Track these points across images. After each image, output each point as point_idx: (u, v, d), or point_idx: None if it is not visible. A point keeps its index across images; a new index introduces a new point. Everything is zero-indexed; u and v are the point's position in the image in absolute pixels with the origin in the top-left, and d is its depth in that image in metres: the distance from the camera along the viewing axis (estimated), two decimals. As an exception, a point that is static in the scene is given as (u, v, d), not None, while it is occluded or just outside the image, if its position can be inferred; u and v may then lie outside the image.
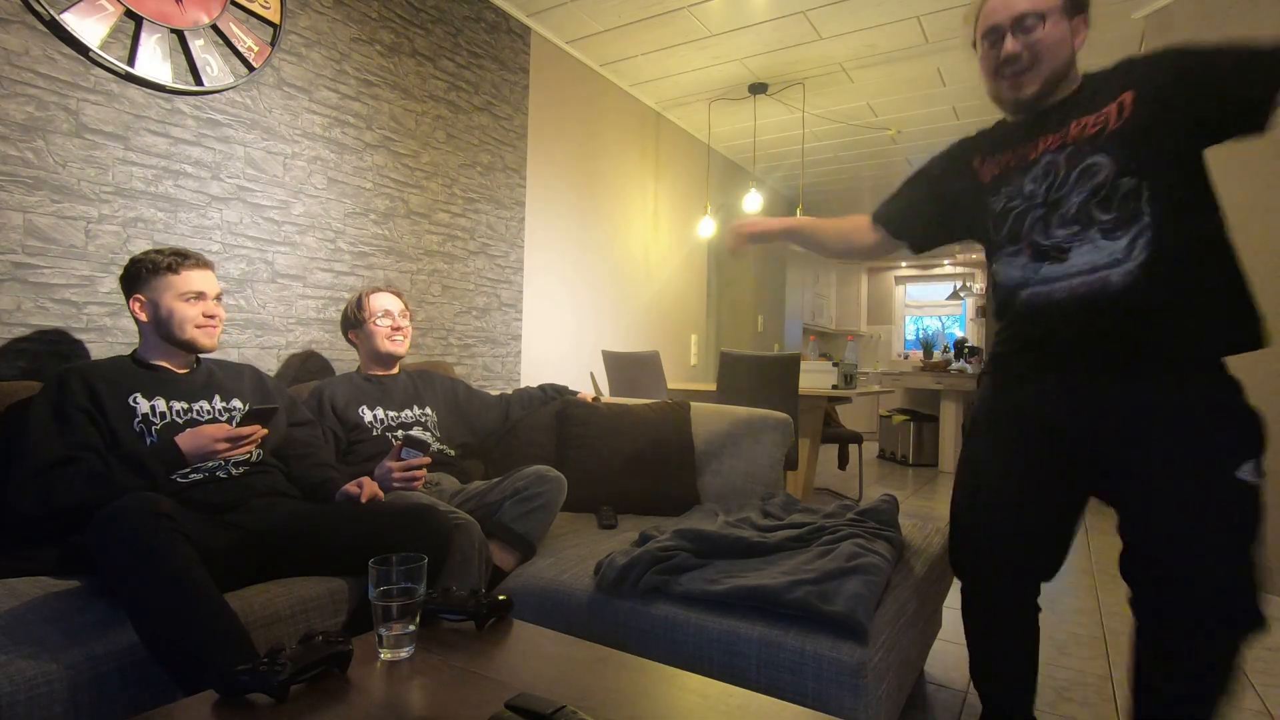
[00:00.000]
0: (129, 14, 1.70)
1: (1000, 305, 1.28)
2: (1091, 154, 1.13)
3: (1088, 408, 1.16)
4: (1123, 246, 1.09)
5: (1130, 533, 1.13)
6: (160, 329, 1.44)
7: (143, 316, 1.44)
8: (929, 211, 1.42)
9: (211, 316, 1.47)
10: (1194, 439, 1.08)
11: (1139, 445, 1.11)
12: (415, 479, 1.59)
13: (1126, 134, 1.10)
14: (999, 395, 1.30)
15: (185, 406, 1.43)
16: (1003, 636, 1.32)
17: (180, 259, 1.45)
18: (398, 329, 1.94)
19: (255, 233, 2.02)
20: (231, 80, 1.92)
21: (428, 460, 1.61)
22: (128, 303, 1.44)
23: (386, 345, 1.92)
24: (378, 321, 1.92)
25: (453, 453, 1.95)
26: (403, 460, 1.58)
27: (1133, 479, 1.12)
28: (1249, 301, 1.09)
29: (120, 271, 1.46)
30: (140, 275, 1.43)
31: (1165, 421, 1.09)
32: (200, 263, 1.48)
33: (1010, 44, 1.18)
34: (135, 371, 1.43)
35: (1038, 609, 1.31)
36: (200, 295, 1.45)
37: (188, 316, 1.44)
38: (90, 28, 1.63)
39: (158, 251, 1.45)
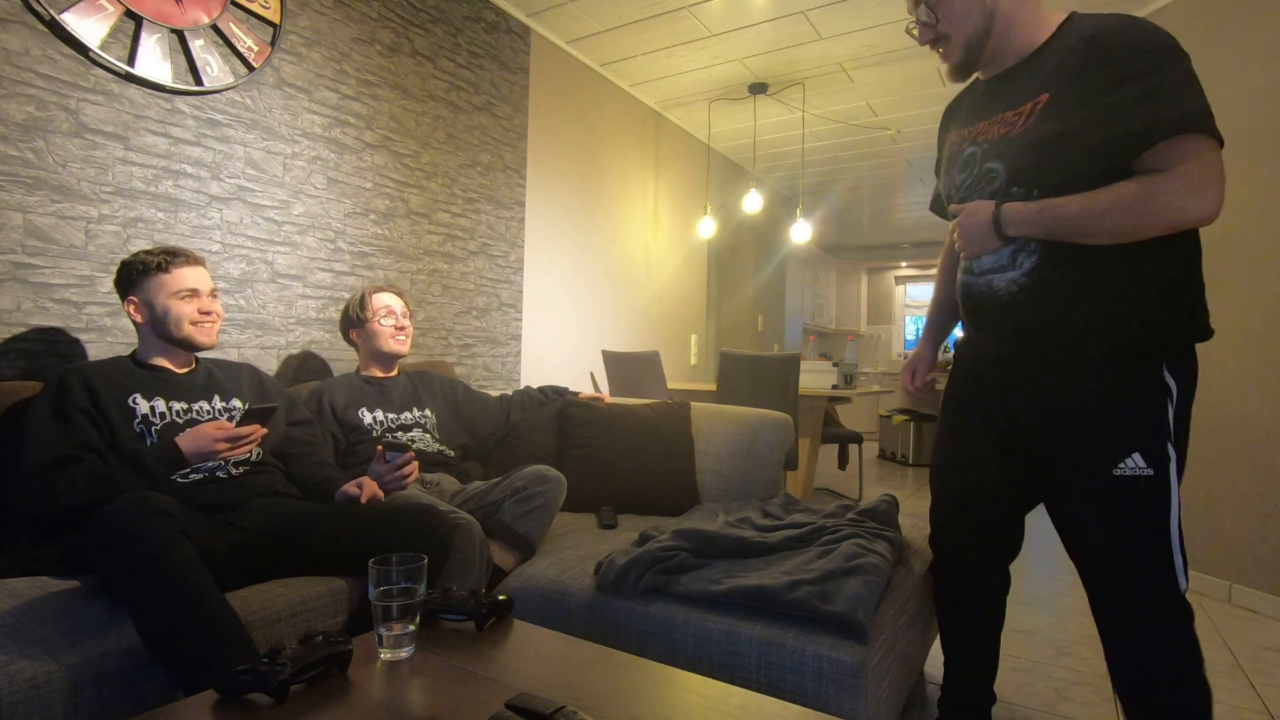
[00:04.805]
0: (129, 14, 1.70)
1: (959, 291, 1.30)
2: (993, 158, 1.12)
3: (1009, 401, 1.19)
4: (1008, 254, 1.11)
5: (1055, 523, 1.17)
6: (157, 329, 1.44)
7: (139, 318, 1.44)
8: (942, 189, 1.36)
9: (207, 313, 1.47)
10: (1075, 438, 1.09)
11: (1045, 443, 1.15)
12: (406, 478, 1.57)
13: (1026, 144, 1.07)
14: (957, 375, 1.34)
15: (185, 407, 1.44)
16: (964, 610, 1.37)
17: (171, 257, 1.45)
18: (401, 328, 1.94)
19: (255, 233, 2.02)
20: (231, 80, 1.92)
21: (411, 455, 1.59)
22: (123, 305, 1.45)
23: (390, 344, 1.92)
24: (381, 320, 1.92)
25: (452, 454, 1.95)
26: (389, 464, 1.57)
27: (1043, 472, 1.16)
28: (1174, 297, 1.04)
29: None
30: (132, 277, 1.43)
31: (1056, 424, 1.12)
32: (191, 260, 1.48)
33: (918, 10, 1.16)
34: (135, 372, 1.43)
35: (1002, 589, 1.35)
36: (194, 292, 1.45)
37: (183, 314, 1.44)
38: (90, 27, 1.63)
39: (148, 252, 1.45)
